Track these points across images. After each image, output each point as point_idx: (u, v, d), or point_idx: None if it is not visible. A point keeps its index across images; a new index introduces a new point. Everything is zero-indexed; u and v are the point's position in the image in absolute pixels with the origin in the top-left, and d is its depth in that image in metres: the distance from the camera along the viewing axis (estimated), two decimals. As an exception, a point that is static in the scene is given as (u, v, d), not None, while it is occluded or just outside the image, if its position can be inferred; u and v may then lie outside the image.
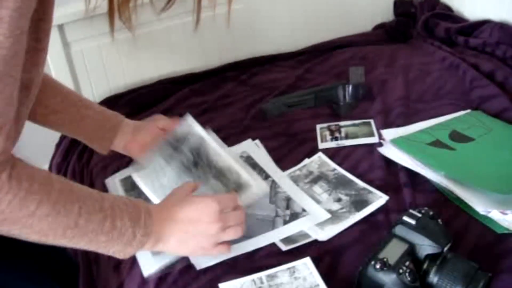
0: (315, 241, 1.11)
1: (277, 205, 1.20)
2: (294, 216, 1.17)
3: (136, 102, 1.72)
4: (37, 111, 1.16)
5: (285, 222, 1.15)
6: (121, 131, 1.26)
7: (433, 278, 0.94)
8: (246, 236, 1.09)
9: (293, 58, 1.92)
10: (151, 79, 1.82)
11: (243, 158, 1.35)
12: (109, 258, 1.19)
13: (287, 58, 1.92)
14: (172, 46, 1.83)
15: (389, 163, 1.30)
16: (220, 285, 1.01)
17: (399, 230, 0.96)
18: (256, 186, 1.17)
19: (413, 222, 0.96)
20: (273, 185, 1.27)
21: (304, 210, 1.18)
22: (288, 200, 1.22)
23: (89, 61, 1.72)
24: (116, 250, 0.93)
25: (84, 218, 0.87)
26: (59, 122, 1.22)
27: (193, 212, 0.99)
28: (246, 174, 1.18)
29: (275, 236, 1.12)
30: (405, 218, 0.97)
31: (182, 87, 1.77)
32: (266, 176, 1.29)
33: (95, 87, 1.76)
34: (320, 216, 1.16)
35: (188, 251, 1.03)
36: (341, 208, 1.18)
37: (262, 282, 1.00)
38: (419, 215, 0.98)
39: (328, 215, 1.16)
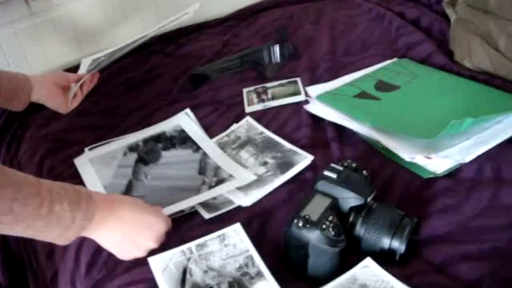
0: (244, 206, 1.09)
1: (206, 175, 1.18)
2: (220, 182, 1.15)
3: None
4: None
5: (210, 188, 1.14)
6: (35, 86, 1.31)
7: (360, 230, 0.94)
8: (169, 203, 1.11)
9: (220, 25, 1.88)
10: (77, 61, 1.76)
11: (176, 132, 1.34)
12: (43, 246, 1.17)
13: (214, 25, 1.88)
14: (93, 25, 1.78)
15: (316, 120, 1.29)
16: (149, 259, 0.98)
17: (321, 185, 0.95)
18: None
19: (334, 176, 0.95)
20: (203, 157, 1.24)
21: (231, 176, 1.17)
22: (217, 169, 1.20)
23: (7, 49, 1.65)
24: (55, 235, 0.89)
25: (20, 203, 0.83)
26: None
27: (141, 221, 0.98)
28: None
29: (198, 198, 1.11)
30: (327, 173, 0.96)
31: (108, 65, 1.72)
32: (197, 148, 1.27)
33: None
34: (245, 178, 1.14)
35: (117, 252, 1.00)
36: (266, 172, 1.16)
37: (191, 252, 0.98)
38: (341, 168, 0.97)
39: (254, 177, 1.14)
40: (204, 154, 1.25)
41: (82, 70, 1.47)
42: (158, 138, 1.32)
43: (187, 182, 1.18)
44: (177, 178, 1.19)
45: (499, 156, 1.12)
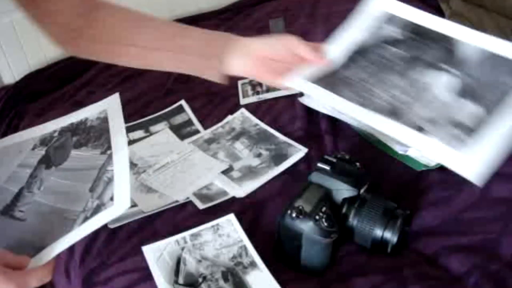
0: (238, 197, 1.10)
1: (94, 193, 0.88)
2: (97, 209, 0.84)
3: (57, 76, 1.67)
4: (121, 52, 1.00)
5: (85, 219, 0.83)
6: (232, 57, 0.97)
7: (353, 221, 0.95)
8: (41, 246, 0.81)
9: (215, 17, 1.89)
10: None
11: (98, 121, 0.99)
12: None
13: (210, 17, 1.88)
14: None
15: (310, 113, 1.30)
16: (143, 248, 0.99)
17: (315, 177, 0.96)
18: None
19: (328, 167, 0.96)
20: (106, 162, 0.91)
21: (111, 199, 0.85)
22: (108, 183, 0.88)
23: (3, 38, 1.65)
24: None
25: None
26: (156, 63, 1.04)
27: None
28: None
29: (66, 241, 0.82)
30: (320, 164, 0.97)
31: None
32: (108, 147, 0.94)
33: (12, 65, 1.69)
34: (120, 208, 0.84)
35: None
36: (261, 164, 1.17)
37: (185, 242, 0.99)
38: (334, 160, 0.98)
39: (127, 206, 0.83)
40: (110, 157, 0.92)
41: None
42: (76, 128, 0.99)
43: (70, 206, 0.87)
44: (65, 195, 0.89)
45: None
